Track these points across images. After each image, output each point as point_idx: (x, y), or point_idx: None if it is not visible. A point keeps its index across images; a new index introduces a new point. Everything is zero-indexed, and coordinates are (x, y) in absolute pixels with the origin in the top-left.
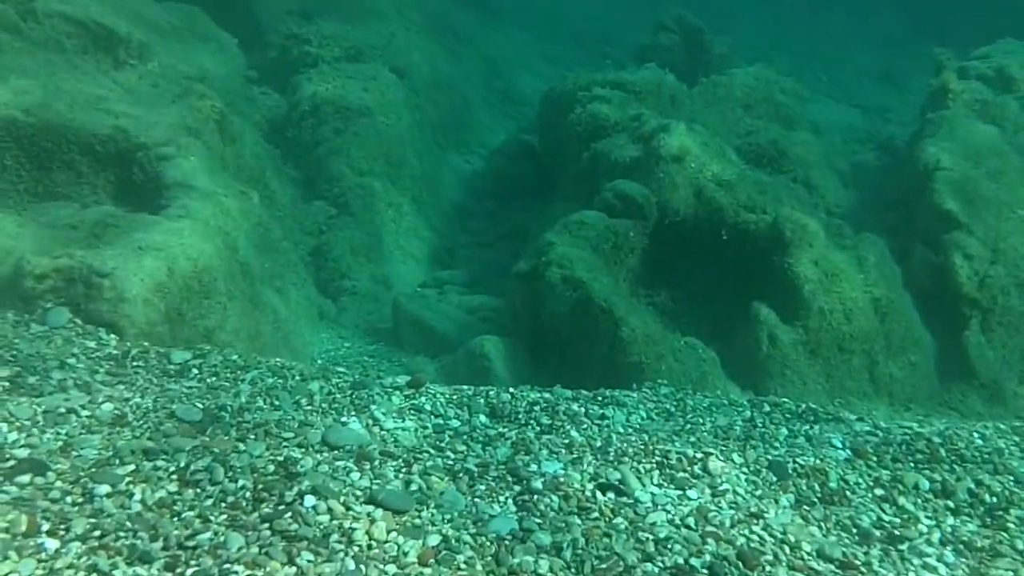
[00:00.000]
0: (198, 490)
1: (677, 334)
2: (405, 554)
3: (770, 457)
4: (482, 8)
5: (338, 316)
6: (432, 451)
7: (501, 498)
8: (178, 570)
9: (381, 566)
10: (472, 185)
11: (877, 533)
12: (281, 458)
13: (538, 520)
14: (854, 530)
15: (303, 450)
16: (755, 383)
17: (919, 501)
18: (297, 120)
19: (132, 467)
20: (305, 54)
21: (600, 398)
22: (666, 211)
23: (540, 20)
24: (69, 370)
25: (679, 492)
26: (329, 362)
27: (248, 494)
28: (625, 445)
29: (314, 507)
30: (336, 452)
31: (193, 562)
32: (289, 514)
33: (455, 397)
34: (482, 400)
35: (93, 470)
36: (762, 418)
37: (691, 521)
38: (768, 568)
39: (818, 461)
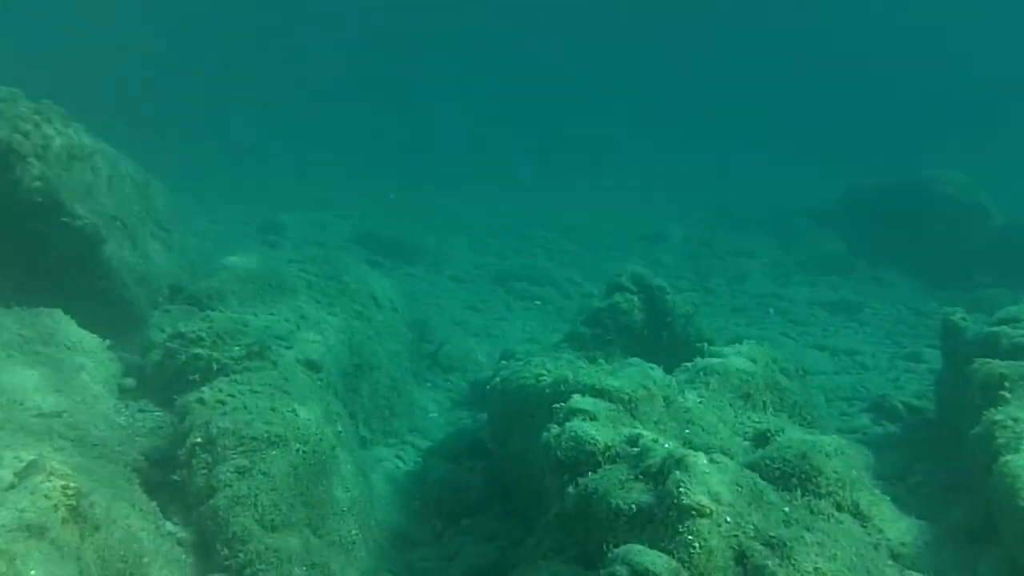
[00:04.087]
0: None
1: None
2: None
3: None
4: (396, 256)
5: None
6: None
7: None
8: None
9: None
10: (408, 496)
11: None
12: None
13: None
14: None
15: None
16: None
17: None
18: (187, 457)
19: None
20: (195, 359)
21: None
22: None
23: (455, 262)
24: None
25: None
26: None
27: None
28: None
29: None
30: None
31: None
32: None
33: None
34: None
35: None
36: None
37: None
38: None
39: None
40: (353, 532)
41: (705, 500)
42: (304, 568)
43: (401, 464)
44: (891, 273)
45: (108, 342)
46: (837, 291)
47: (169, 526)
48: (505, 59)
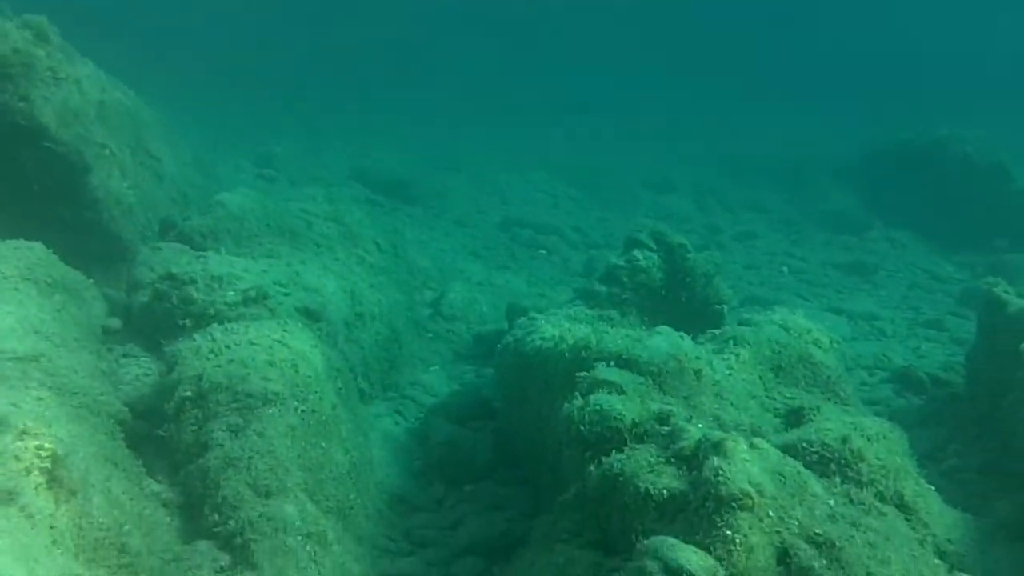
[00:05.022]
0: None
1: None
2: None
3: None
4: (396, 197)
5: None
6: None
7: None
8: None
9: None
10: (409, 456)
11: None
12: None
13: None
14: None
15: None
16: None
17: None
18: (175, 411)
19: None
20: (187, 302)
21: None
22: None
23: (458, 205)
24: None
25: None
26: None
27: None
28: None
29: None
30: None
31: None
32: None
33: None
34: None
35: None
36: None
37: None
38: None
39: None
40: (352, 497)
41: (743, 491)
42: (299, 538)
43: (402, 420)
44: (906, 234)
45: (91, 280)
46: (851, 251)
47: (154, 485)
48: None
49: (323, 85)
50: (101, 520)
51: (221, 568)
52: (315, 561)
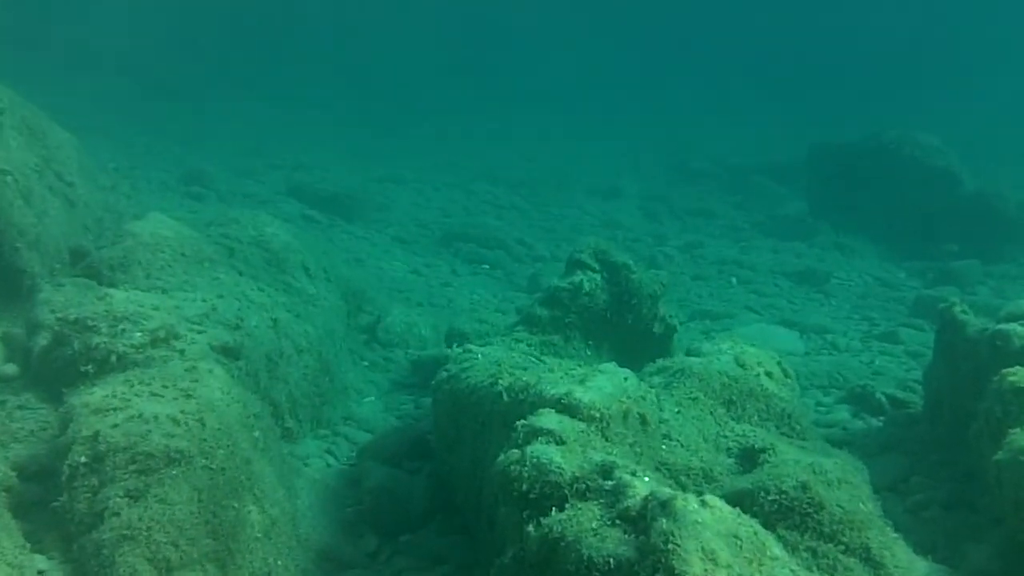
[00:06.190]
0: None
1: None
2: None
3: None
4: (334, 212)
5: None
6: None
7: None
8: None
9: None
10: (340, 503)
11: None
12: None
13: None
14: None
15: None
16: None
17: None
18: (68, 477)
19: None
20: (89, 347)
21: None
22: None
23: (398, 220)
24: None
25: None
26: None
27: None
28: None
29: None
30: None
31: None
32: None
33: None
34: None
35: None
36: None
37: None
38: None
39: None
40: (271, 561)
41: (699, 561)
42: None
43: (333, 461)
44: (855, 239)
45: None
46: (801, 258)
47: (41, 561)
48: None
49: (250, 96)
50: None
51: None
52: None
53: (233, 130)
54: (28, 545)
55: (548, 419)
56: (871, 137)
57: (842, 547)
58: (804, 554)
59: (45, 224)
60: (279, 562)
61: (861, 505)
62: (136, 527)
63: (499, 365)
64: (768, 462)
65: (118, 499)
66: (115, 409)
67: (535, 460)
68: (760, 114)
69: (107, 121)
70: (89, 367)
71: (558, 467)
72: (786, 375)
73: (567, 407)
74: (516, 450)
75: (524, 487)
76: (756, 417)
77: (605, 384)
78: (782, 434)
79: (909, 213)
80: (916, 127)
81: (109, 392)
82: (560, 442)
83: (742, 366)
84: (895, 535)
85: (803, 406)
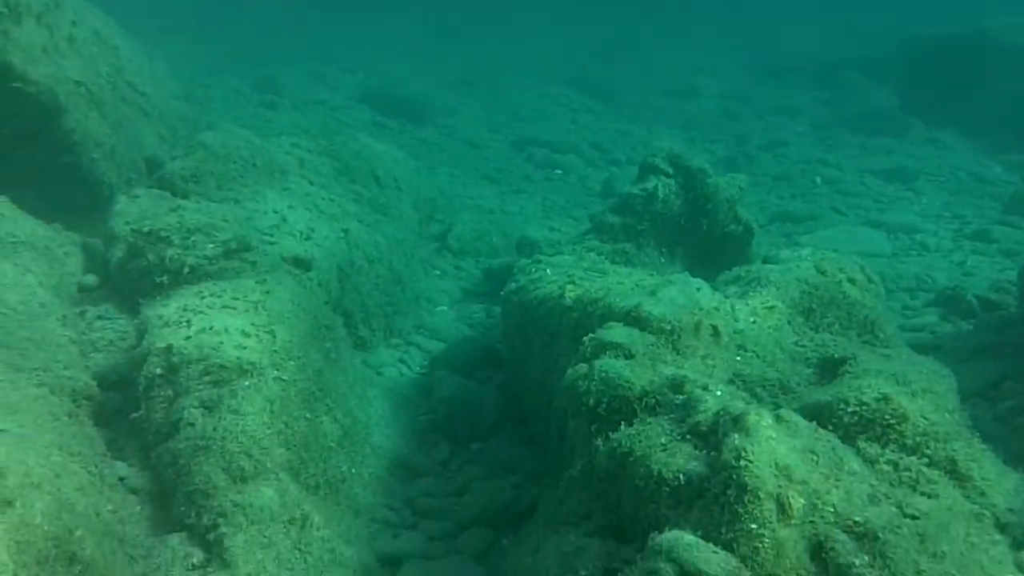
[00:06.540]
0: None
1: None
2: None
3: None
4: (405, 118)
5: None
6: None
7: None
8: None
9: None
10: (413, 411)
11: None
12: None
13: None
14: None
15: None
16: None
17: None
18: (145, 388)
19: None
20: (163, 258)
21: None
22: None
23: (469, 125)
24: None
25: None
26: None
27: None
28: None
29: None
30: None
31: None
32: None
33: None
34: None
35: None
36: None
37: None
38: None
39: None
40: (344, 469)
41: (768, 477)
42: (279, 526)
43: (406, 370)
44: (949, 133)
45: (71, 233)
46: (890, 155)
47: (121, 468)
48: None
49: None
50: (46, 529)
51: (193, 566)
52: (299, 550)
53: (308, 35)
54: (108, 453)
55: (616, 332)
56: (969, 25)
57: (925, 460)
58: (885, 467)
59: (120, 135)
60: (352, 470)
61: (947, 415)
62: (211, 437)
63: (568, 276)
64: (848, 372)
65: (192, 410)
66: (187, 322)
67: (603, 375)
68: (852, 7)
69: (181, 27)
70: (164, 278)
71: (627, 381)
72: (870, 280)
73: (636, 319)
74: (584, 364)
75: (592, 402)
76: (837, 325)
77: (676, 295)
78: (864, 342)
79: (1009, 104)
80: (1015, 14)
81: (182, 304)
82: (629, 356)
83: (823, 273)
84: (983, 446)
85: (888, 312)
